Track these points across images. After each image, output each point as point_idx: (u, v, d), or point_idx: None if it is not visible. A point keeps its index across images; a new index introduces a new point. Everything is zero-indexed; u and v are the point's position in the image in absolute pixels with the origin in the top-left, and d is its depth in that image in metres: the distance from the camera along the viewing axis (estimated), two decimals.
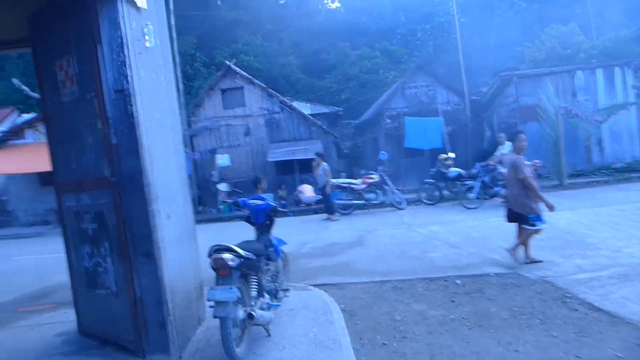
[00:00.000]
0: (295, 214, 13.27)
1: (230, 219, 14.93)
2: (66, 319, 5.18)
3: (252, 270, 4.16)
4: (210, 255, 3.88)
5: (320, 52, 37.00)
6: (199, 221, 15.73)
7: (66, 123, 4.37)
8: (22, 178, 17.75)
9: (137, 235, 3.97)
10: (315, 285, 6.10)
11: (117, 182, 3.95)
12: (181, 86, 17.67)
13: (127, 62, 3.86)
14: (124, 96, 3.89)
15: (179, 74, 17.26)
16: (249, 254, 4.04)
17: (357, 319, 4.93)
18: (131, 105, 3.90)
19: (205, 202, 18.20)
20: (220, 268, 3.83)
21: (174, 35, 17.25)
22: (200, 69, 31.60)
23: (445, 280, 5.95)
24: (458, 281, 5.86)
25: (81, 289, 4.59)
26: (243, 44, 33.43)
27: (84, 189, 4.31)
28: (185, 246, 4.64)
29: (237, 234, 5.24)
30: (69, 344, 4.56)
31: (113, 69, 3.86)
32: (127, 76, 3.86)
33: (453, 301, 5.19)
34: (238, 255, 3.88)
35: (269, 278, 4.71)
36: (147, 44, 4.15)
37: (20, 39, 4.79)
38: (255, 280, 4.26)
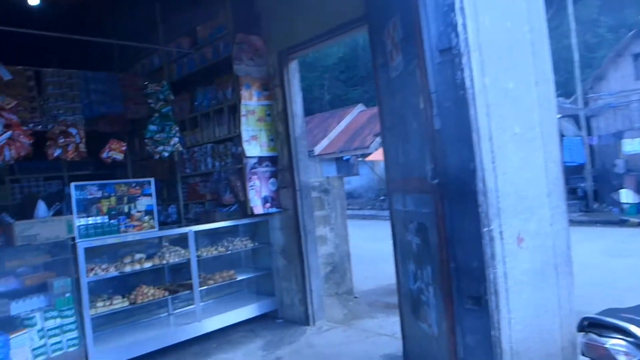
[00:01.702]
0: None
1: None
2: (396, 333, 4.47)
3: None
4: (582, 329, 2.21)
5: None
6: (591, 222, 12.97)
7: (394, 105, 3.52)
8: None
9: (463, 268, 2.71)
10: None
11: (439, 186, 2.78)
12: (576, 56, 14.81)
13: (458, 5, 2.59)
14: (451, 57, 2.65)
15: (574, 42, 14.50)
16: None
17: None
18: (461, 71, 2.63)
19: (604, 199, 14.82)
20: None
21: None
22: (605, 35, 26.48)
23: None
24: None
25: (406, 311, 3.72)
26: None
27: (408, 190, 3.36)
28: (548, 286, 3.02)
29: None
30: None
31: (437, 19, 2.68)
32: (456, 27, 2.60)
33: None
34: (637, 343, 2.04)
35: None
36: None
37: (356, 19, 4.29)
38: None
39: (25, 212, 4.74)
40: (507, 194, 2.73)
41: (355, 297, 6.31)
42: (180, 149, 5.31)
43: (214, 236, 5.46)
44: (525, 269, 2.80)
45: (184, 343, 4.73)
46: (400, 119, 3.39)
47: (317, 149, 24.58)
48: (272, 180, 5.45)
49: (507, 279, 2.68)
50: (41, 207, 4.27)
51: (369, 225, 14.41)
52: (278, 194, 5.46)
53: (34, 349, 3.81)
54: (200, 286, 4.92)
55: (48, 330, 3.91)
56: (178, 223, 6.49)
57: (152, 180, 4.67)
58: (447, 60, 2.68)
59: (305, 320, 5.21)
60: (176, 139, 5.17)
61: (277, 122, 5.42)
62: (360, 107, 26.79)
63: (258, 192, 5.32)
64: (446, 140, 2.74)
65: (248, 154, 5.26)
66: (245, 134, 5.26)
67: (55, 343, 3.93)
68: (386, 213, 4.39)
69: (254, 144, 5.33)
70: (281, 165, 5.43)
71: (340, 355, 4.32)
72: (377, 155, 18.66)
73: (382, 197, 19.28)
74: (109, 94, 6.13)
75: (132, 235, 4.47)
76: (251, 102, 5.32)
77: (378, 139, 19.50)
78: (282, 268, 5.47)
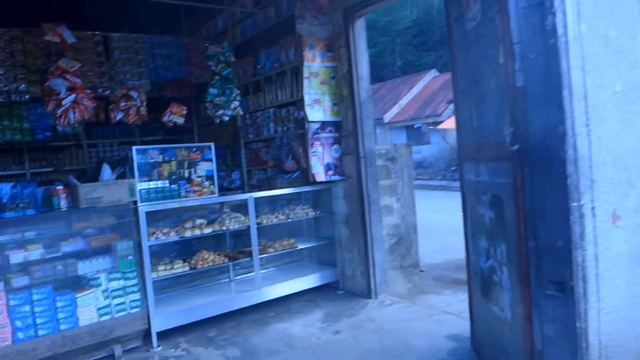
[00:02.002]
0: None
1: None
2: (463, 312, 4.18)
3: None
4: None
5: None
6: None
7: (468, 62, 3.12)
8: None
9: (545, 247, 2.35)
10: None
11: (519, 153, 2.41)
12: None
13: None
14: (539, 1, 2.23)
15: None
16: None
17: None
18: (553, 15, 2.20)
19: None
20: None
21: None
22: None
23: None
24: None
25: (476, 291, 3.40)
26: None
27: (482, 158, 2.99)
28: None
29: None
30: (454, 356, 3.54)
31: None
32: None
33: None
34: None
35: None
36: None
37: None
38: None
39: (96, 175, 4.89)
40: (602, 164, 2.31)
41: (421, 271, 6.02)
42: (241, 112, 5.20)
43: (275, 203, 5.37)
44: (621, 252, 2.39)
45: (243, 310, 4.73)
46: (476, 77, 3.00)
47: (387, 117, 23.94)
48: (335, 146, 5.22)
49: (598, 263, 2.30)
50: (106, 171, 4.35)
51: (439, 196, 13.86)
52: (341, 161, 5.24)
53: (99, 308, 3.93)
54: (260, 254, 4.87)
55: (112, 291, 4.01)
56: (241, 189, 6.48)
57: (212, 145, 4.61)
58: (535, 4, 2.26)
59: (367, 293, 5.03)
60: (236, 103, 5.06)
61: (342, 85, 5.14)
62: (433, 73, 25.59)
63: (320, 159, 5.12)
64: (530, 99, 2.34)
65: (310, 118, 5.04)
66: (307, 98, 5.04)
67: (119, 304, 4.03)
68: (457, 184, 4.04)
69: (317, 108, 5.10)
70: (345, 130, 5.17)
71: (402, 332, 4.10)
72: (450, 124, 17.82)
73: (453, 168, 18.49)
74: (174, 59, 6.13)
75: (192, 201, 4.46)
76: (314, 63, 5.07)
77: (451, 107, 18.58)
78: (345, 238, 5.29)
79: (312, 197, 5.54)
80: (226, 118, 5.03)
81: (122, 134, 8.17)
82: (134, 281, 4.12)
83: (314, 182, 5.12)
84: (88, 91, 4.16)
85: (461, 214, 3.54)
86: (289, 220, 5.14)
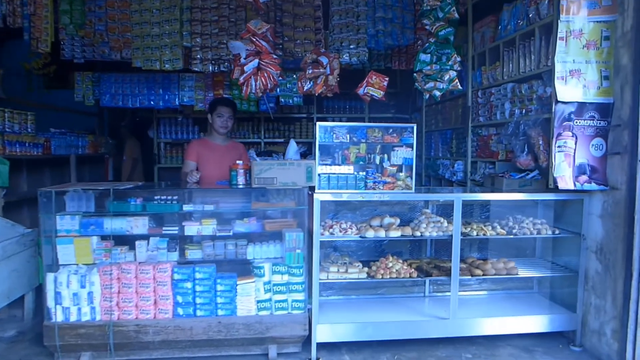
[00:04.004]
0: None
1: None
2: None
3: None
4: None
5: None
6: None
7: None
8: None
9: None
10: None
11: None
12: None
13: None
14: None
15: None
16: None
17: None
18: None
19: None
20: None
21: None
22: None
23: None
24: None
25: None
26: None
27: None
28: None
29: None
30: None
31: None
32: None
33: None
34: None
35: None
36: None
37: None
38: None
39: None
40: None
41: None
42: (459, 87, 4.04)
43: (495, 209, 4.12)
44: None
45: (431, 339, 3.75)
46: None
47: None
48: (596, 140, 3.63)
49: None
50: (292, 147, 3.91)
51: None
52: (604, 164, 3.61)
53: (258, 301, 3.56)
54: (462, 274, 3.76)
55: (274, 285, 3.58)
56: (463, 184, 5.35)
57: (413, 126, 3.67)
58: None
59: None
60: (453, 73, 3.91)
61: (620, 49, 3.48)
62: None
63: (570, 157, 3.62)
64: None
65: (561, 97, 3.58)
66: (560, 67, 3.59)
67: (280, 301, 3.58)
68: None
69: (574, 83, 3.59)
70: (617, 119, 3.52)
71: None
72: None
73: None
74: (398, 22, 5.30)
75: (380, 194, 3.65)
76: (577, 17, 3.55)
77: None
78: (594, 275, 3.70)
79: (551, 209, 4.07)
80: (437, 93, 3.96)
81: (353, 108, 7.91)
82: (300, 279, 3.60)
83: (556, 189, 3.67)
84: (274, 56, 3.76)
85: None
86: (511, 236, 3.84)
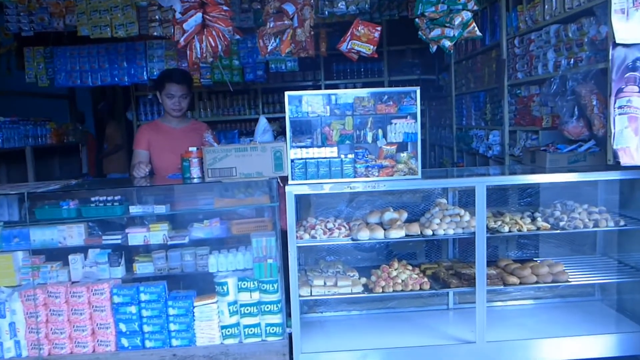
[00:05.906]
0: None
1: None
2: None
3: None
4: None
5: None
6: None
7: None
8: None
9: None
10: None
11: None
12: None
13: None
14: None
15: None
16: None
17: None
18: None
19: None
20: None
21: None
22: None
23: None
24: None
25: None
26: None
27: None
28: None
29: None
30: None
31: None
32: None
33: None
34: None
35: None
36: None
37: None
38: None
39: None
40: None
41: None
42: (477, 32, 3.06)
43: (534, 195, 3.22)
44: None
45: None
46: None
47: None
48: None
49: None
50: (260, 125, 3.10)
51: None
52: None
53: (223, 327, 2.87)
54: (492, 283, 2.91)
55: (242, 305, 2.88)
56: (500, 160, 4.41)
57: (416, 90, 2.81)
58: None
59: None
60: (467, 15, 2.92)
61: None
62: None
63: (636, 121, 2.65)
64: None
65: (621, 37, 2.60)
66: None
67: (251, 326, 2.87)
68: None
69: (639, 17, 2.61)
70: None
71: None
72: None
73: None
74: None
75: (374, 183, 2.84)
76: None
77: None
78: None
79: (614, 192, 3.12)
80: (447, 43, 2.97)
81: (369, 71, 6.95)
82: (274, 297, 2.87)
83: (618, 166, 2.72)
84: (224, 8, 2.93)
85: None
86: (557, 231, 2.94)
